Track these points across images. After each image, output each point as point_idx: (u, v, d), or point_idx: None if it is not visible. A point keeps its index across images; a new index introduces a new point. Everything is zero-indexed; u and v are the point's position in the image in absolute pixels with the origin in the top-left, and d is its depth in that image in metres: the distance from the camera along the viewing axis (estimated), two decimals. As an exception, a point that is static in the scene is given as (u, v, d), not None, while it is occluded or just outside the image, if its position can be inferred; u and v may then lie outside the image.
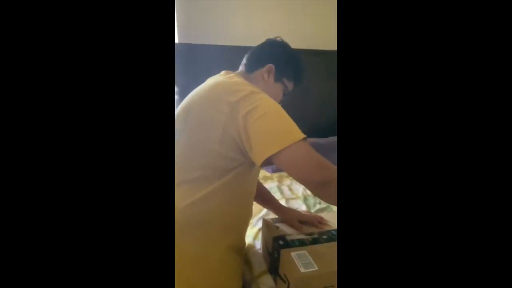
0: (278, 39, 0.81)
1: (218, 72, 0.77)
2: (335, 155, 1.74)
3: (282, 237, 0.76)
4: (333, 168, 0.58)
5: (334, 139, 1.93)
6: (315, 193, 0.61)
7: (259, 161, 0.58)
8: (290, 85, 0.80)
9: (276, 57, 0.76)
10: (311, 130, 1.95)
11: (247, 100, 0.60)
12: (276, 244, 0.73)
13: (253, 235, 1.18)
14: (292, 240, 0.74)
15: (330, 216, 0.93)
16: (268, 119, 0.58)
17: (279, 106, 0.62)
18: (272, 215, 1.26)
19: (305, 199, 1.44)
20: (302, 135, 0.58)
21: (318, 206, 1.39)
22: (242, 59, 0.82)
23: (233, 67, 0.82)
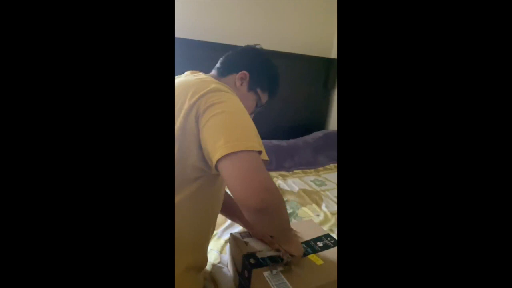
0: (257, 46, 0.77)
1: (209, 69, 0.72)
2: (296, 157, 1.75)
3: (253, 254, 0.71)
4: (278, 195, 0.50)
5: (295, 141, 1.95)
6: (248, 218, 0.50)
7: (212, 164, 0.50)
8: (264, 97, 0.75)
9: (253, 65, 0.72)
10: (273, 132, 1.97)
11: (211, 95, 0.54)
12: (247, 263, 0.68)
13: (219, 248, 1.12)
14: (263, 258, 0.70)
15: (296, 225, 0.90)
16: (226, 118, 0.52)
17: (244, 110, 0.56)
18: (238, 226, 1.22)
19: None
20: (259, 147, 0.50)
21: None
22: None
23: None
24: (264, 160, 0.51)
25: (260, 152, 0.51)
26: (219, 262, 1.08)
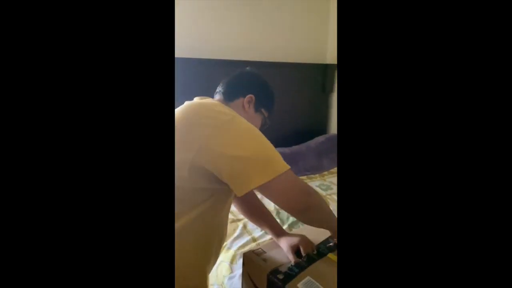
0: (253, 70, 0.83)
1: (207, 85, 0.75)
2: (300, 163, 1.74)
3: (277, 270, 0.69)
4: (316, 193, 0.62)
5: (298, 147, 1.94)
6: (299, 218, 0.67)
7: (241, 192, 0.57)
8: (266, 115, 0.82)
9: (256, 88, 0.78)
10: (275, 139, 1.95)
11: (228, 125, 0.58)
12: (276, 280, 0.66)
13: (229, 259, 1.08)
14: (290, 269, 0.68)
15: (305, 229, 0.89)
16: (252, 148, 0.57)
17: (261, 134, 0.61)
18: (245, 246, 1.18)
19: (277, 213, 1.39)
20: (287, 166, 0.58)
21: (291, 219, 1.35)
22: (228, 72, 0.80)
23: (219, 80, 0.80)
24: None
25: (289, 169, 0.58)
26: (231, 273, 1.05)
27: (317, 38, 2.25)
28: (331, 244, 0.78)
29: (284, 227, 1.23)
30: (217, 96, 0.77)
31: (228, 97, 0.76)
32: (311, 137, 2.09)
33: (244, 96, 0.75)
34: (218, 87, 0.79)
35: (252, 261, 0.75)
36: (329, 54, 2.30)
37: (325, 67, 2.20)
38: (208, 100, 0.69)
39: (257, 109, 0.78)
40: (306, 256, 0.72)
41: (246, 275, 0.78)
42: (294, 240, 0.77)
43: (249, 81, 0.79)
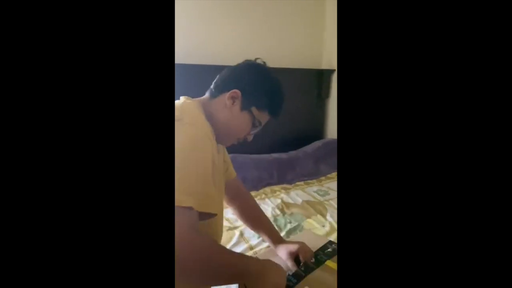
0: (257, 60, 0.69)
1: (202, 91, 0.68)
2: (297, 169, 1.73)
3: None
4: (196, 253, 0.42)
5: (295, 153, 1.94)
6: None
7: None
8: (262, 117, 0.66)
9: (246, 82, 0.64)
10: (272, 145, 1.96)
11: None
12: None
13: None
14: (288, 279, 0.66)
15: (303, 236, 0.87)
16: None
17: (194, 149, 0.49)
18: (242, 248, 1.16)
19: (275, 220, 1.37)
20: (184, 202, 0.43)
21: (289, 226, 1.34)
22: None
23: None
24: (204, 213, 0.45)
25: (191, 208, 0.43)
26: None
27: (313, 44, 2.26)
28: (329, 250, 0.77)
29: (282, 234, 1.22)
30: (206, 94, 0.68)
31: (213, 93, 0.65)
32: (308, 142, 2.09)
33: (228, 91, 0.63)
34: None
35: None
36: (325, 60, 2.31)
37: (321, 73, 2.21)
38: (179, 102, 0.61)
39: (244, 107, 0.63)
40: (304, 264, 0.70)
41: (243, 287, 0.76)
42: (293, 247, 0.74)
43: (239, 75, 0.65)
